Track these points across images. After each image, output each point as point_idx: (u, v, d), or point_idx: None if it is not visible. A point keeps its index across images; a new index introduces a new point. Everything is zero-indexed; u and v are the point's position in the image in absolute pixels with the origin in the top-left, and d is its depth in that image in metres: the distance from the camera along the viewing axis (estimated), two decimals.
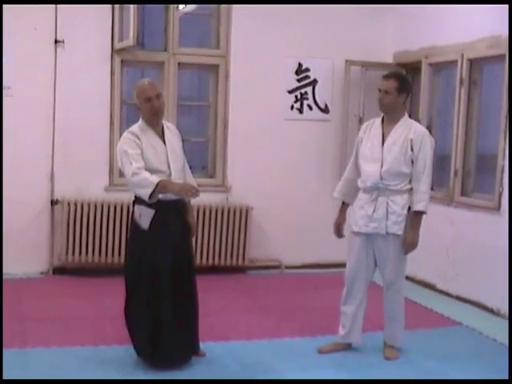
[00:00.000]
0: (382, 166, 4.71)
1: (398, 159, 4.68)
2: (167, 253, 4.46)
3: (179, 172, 4.53)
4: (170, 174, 4.44)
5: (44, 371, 4.41)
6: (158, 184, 4.25)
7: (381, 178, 4.71)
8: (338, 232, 5.04)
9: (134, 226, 4.52)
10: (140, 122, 4.51)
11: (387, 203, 4.71)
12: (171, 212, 4.48)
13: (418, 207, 4.66)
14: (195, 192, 4.27)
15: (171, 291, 4.46)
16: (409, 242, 4.70)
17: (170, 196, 4.40)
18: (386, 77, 4.83)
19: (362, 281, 4.88)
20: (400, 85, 4.72)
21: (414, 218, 4.70)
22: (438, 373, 4.65)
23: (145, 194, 4.28)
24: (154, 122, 4.49)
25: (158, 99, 4.45)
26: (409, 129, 4.73)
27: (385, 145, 4.74)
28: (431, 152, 4.75)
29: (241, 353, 4.89)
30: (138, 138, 4.40)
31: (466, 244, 6.41)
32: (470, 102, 6.53)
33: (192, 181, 4.69)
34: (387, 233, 4.72)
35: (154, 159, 4.40)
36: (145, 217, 4.41)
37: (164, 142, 4.50)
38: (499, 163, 6.01)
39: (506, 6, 5.70)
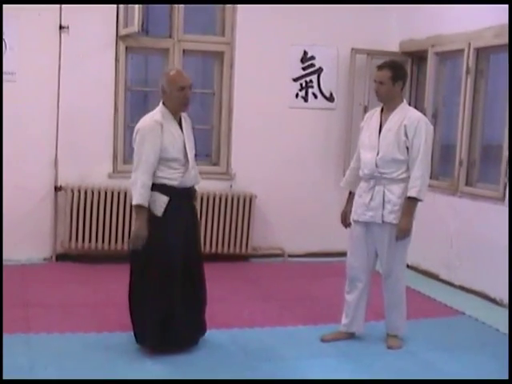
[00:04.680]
0: (377, 154, 4.71)
1: (392, 146, 4.67)
2: (180, 238, 4.53)
3: (193, 160, 4.61)
4: (186, 162, 4.53)
5: (47, 357, 4.41)
6: (137, 205, 4.40)
7: (376, 166, 4.71)
8: (345, 221, 5.04)
9: (148, 213, 4.51)
10: (162, 108, 4.54)
11: (384, 192, 4.70)
12: (184, 199, 4.59)
13: (409, 193, 4.63)
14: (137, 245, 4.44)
15: (182, 275, 4.54)
16: (399, 229, 4.68)
17: (185, 184, 4.53)
18: (379, 67, 4.83)
19: (361, 269, 4.86)
20: (394, 74, 4.72)
21: (407, 204, 4.67)
22: (441, 362, 4.65)
23: (134, 199, 4.42)
24: (180, 111, 4.58)
25: (190, 90, 4.55)
26: (404, 115, 4.72)
27: (381, 133, 4.74)
28: (429, 138, 4.70)
29: (244, 340, 4.89)
30: (161, 127, 4.46)
31: (470, 234, 6.40)
32: (476, 92, 6.49)
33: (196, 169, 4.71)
34: (383, 222, 4.71)
35: (172, 148, 4.48)
36: (159, 203, 4.47)
37: (182, 131, 4.57)
38: (504, 153, 5.99)
39: None
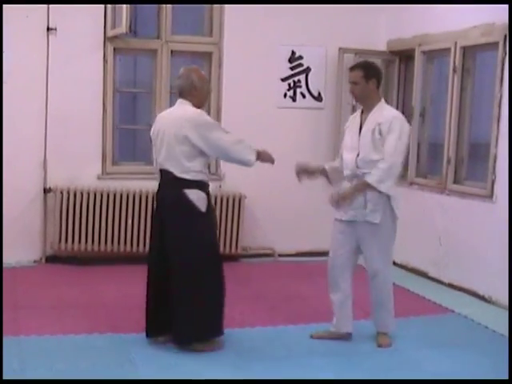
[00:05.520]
0: (358, 155, 4.74)
1: (369, 146, 4.69)
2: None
3: None
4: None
5: (37, 359, 4.41)
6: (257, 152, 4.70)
7: (357, 167, 4.73)
8: (299, 173, 5.03)
9: (188, 211, 4.56)
10: (191, 106, 4.63)
11: (365, 192, 4.71)
12: (209, 194, 4.74)
13: (367, 177, 4.64)
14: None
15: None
16: (339, 194, 4.70)
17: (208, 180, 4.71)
18: (351, 68, 4.87)
19: (341, 268, 4.86)
20: (365, 73, 4.74)
21: (361, 182, 4.68)
22: (430, 360, 4.67)
23: (250, 160, 4.65)
24: (204, 105, 4.84)
25: None
26: (380, 114, 4.73)
27: (361, 133, 4.77)
28: (403, 136, 4.68)
29: (234, 341, 4.88)
30: None
31: (459, 232, 6.44)
32: (463, 90, 6.53)
33: None
34: (365, 221, 4.73)
35: None
36: (202, 200, 4.58)
37: None
38: (492, 151, 6.03)
39: None
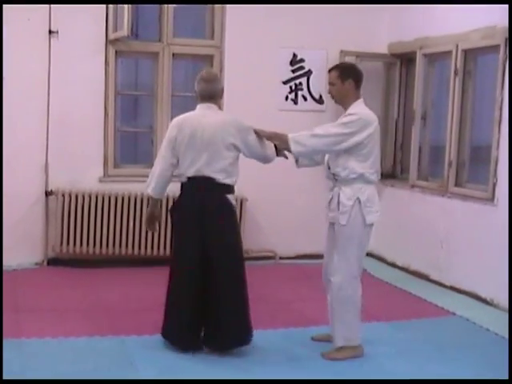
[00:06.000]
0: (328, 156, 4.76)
1: None
2: None
3: None
4: None
5: (38, 362, 4.42)
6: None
7: (329, 168, 4.73)
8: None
9: (231, 216, 4.66)
10: (219, 109, 4.75)
11: (339, 194, 4.66)
12: None
13: (292, 134, 4.68)
14: None
15: None
16: (264, 131, 4.83)
17: None
18: (329, 71, 4.87)
19: (330, 270, 4.78)
20: (341, 73, 4.71)
21: (280, 134, 4.76)
22: (432, 363, 4.67)
23: (273, 154, 4.88)
24: None
25: None
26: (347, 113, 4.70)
27: None
28: (349, 127, 4.57)
29: None
30: None
31: (460, 234, 6.43)
32: (465, 93, 6.53)
33: None
34: (338, 223, 4.65)
35: None
36: (235, 204, 4.77)
37: None
38: (493, 154, 6.02)
39: None
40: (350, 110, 4.69)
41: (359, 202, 4.60)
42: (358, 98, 4.75)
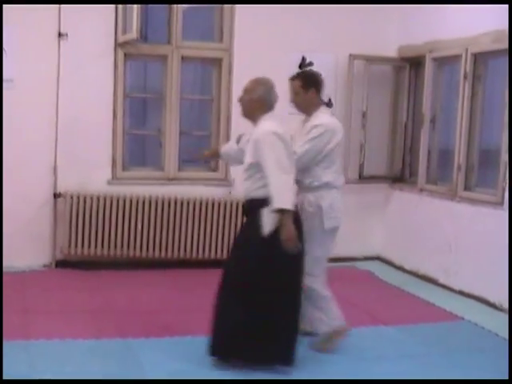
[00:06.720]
0: None
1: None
2: None
3: None
4: None
5: (46, 363, 4.42)
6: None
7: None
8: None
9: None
10: (264, 118, 4.54)
11: (302, 201, 4.69)
12: None
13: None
14: None
15: None
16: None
17: None
18: (290, 79, 4.91)
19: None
20: (304, 82, 4.78)
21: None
22: (440, 367, 4.65)
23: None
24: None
25: None
26: (313, 120, 4.73)
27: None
28: (330, 143, 4.67)
29: None
30: None
31: (469, 239, 6.41)
32: (474, 97, 6.51)
33: None
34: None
35: None
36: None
37: None
38: (503, 158, 6.00)
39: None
40: (315, 120, 4.75)
41: (321, 208, 4.66)
42: (320, 105, 4.85)
